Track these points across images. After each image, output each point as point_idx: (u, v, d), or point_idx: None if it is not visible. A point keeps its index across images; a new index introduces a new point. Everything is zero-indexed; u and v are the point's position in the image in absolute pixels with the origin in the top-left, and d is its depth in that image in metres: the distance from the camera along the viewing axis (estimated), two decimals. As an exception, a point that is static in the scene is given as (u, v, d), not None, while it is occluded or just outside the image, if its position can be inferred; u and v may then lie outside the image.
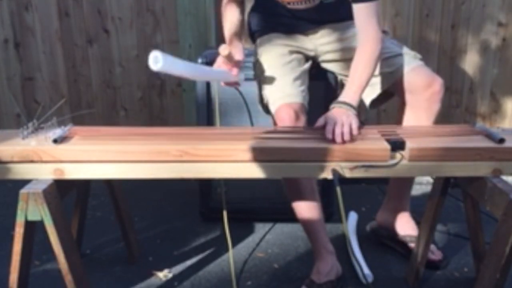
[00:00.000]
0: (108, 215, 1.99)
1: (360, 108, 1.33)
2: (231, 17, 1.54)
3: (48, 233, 1.17)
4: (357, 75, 1.36)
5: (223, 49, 1.36)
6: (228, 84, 1.49)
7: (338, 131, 1.21)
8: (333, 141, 1.21)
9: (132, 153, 1.18)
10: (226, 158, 1.19)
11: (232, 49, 1.42)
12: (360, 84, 1.35)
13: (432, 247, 1.61)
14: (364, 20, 1.39)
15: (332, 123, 1.24)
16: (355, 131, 1.23)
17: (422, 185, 2.24)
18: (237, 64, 1.45)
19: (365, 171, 1.19)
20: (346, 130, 1.22)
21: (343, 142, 1.21)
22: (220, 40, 2.10)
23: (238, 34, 1.51)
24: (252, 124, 1.75)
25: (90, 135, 1.28)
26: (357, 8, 1.39)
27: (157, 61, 1.04)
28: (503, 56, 2.33)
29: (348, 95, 1.34)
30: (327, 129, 1.24)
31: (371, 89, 1.51)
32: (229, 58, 1.41)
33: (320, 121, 1.29)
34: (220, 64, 1.45)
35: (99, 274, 1.61)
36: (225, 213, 1.55)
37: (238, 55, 1.45)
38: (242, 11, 1.58)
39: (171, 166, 1.19)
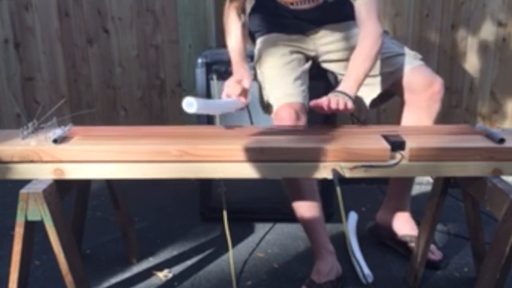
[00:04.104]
0: (108, 215, 1.99)
1: (360, 108, 1.33)
2: (235, 35, 1.53)
3: (48, 233, 1.17)
4: (354, 69, 1.37)
5: (239, 79, 1.42)
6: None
7: (334, 100, 1.26)
8: (328, 107, 1.25)
9: (132, 153, 1.18)
10: (226, 158, 1.19)
11: (242, 74, 1.44)
12: (357, 78, 1.35)
13: (432, 247, 1.61)
14: (365, 17, 1.40)
15: (328, 99, 1.27)
16: (350, 106, 1.27)
17: (422, 185, 2.24)
18: (245, 91, 1.44)
19: (365, 171, 1.19)
20: (341, 101, 1.26)
21: (337, 110, 1.25)
22: (220, 40, 2.10)
23: (244, 54, 1.52)
24: (252, 124, 1.75)
25: (90, 135, 1.28)
26: (358, 5, 1.40)
27: (191, 105, 1.18)
28: (503, 56, 2.32)
29: (345, 87, 1.35)
30: (321, 101, 1.27)
31: (371, 89, 1.51)
32: (243, 90, 1.43)
33: (319, 101, 1.30)
34: (230, 91, 1.43)
35: (99, 274, 1.61)
36: (225, 213, 1.55)
37: (246, 83, 1.42)
38: (244, 24, 1.57)
39: (171, 166, 1.19)
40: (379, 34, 1.39)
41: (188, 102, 1.19)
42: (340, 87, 1.36)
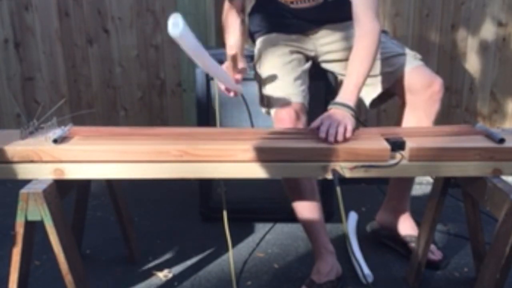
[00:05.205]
0: (108, 215, 1.99)
1: (360, 108, 1.32)
2: (233, 29, 1.54)
3: (48, 233, 1.17)
4: (354, 73, 1.34)
5: (230, 49, 1.41)
6: (227, 90, 1.49)
7: (332, 131, 1.20)
8: (325, 140, 1.20)
9: (132, 153, 1.18)
10: (226, 158, 1.19)
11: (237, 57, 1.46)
12: (357, 83, 1.32)
13: (432, 247, 1.61)
14: (361, 13, 1.36)
15: (327, 124, 1.23)
16: (349, 133, 1.22)
17: (422, 185, 2.24)
18: (241, 71, 1.47)
19: (365, 171, 1.19)
20: (340, 130, 1.20)
21: (336, 142, 1.20)
22: (220, 40, 2.10)
23: (241, 47, 1.53)
24: (252, 124, 1.75)
25: (90, 135, 1.28)
26: (355, 1, 1.38)
27: (177, 26, 0.96)
28: (503, 56, 2.33)
29: (345, 95, 1.32)
30: (321, 129, 1.22)
31: (371, 89, 1.51)
32: (234, 61, 1.43)
33: (316, 122, 1.28)
34: (228, 65, 1.48)
35: (99, 274, 1.61)
36: (225, 213, 1.55)
37: (242, 64, 1.47)
38: (243, 21, 1.58)
39: (171, 166, 1.19)
40: (376, 32, 1.35)
41: (175, 22, 0.95)
42: (340, 96, 1.32)
